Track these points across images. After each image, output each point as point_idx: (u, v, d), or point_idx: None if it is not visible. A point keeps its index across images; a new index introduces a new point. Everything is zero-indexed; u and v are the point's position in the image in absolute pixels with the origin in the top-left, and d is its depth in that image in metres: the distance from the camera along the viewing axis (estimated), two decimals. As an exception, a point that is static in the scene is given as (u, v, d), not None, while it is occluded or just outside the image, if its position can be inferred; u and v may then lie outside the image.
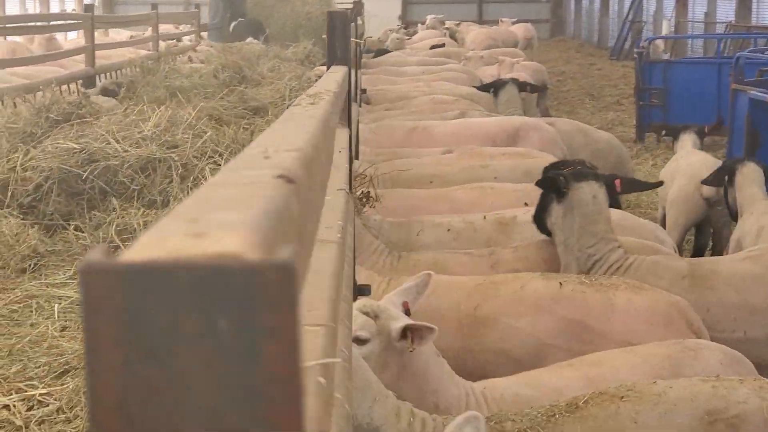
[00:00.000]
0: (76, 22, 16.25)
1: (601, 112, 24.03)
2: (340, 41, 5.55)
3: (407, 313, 4.75)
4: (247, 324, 0.75)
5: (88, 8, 16.22)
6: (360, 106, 13.50)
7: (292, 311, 0.76)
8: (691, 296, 6.06)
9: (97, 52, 19.04)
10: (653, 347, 4.85)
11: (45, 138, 8.34)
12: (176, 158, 7.72)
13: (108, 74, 16.18)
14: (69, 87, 14.24)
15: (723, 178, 8.77)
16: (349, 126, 5.59)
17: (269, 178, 1.02)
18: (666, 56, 31.59)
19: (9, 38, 20.84)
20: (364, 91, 14.68)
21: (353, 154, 5.69)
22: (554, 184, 6.62)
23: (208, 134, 8.08)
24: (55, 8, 39.20)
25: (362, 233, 6.58)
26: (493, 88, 13.97)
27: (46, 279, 6.53)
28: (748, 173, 8.60)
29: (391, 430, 3.97)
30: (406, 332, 4.44)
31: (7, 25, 16.05)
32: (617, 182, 6.83)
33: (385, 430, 3.96)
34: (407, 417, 4.05)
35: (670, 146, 18.55)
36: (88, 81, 15.11)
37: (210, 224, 0.78)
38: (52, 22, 17.74)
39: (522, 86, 14.02)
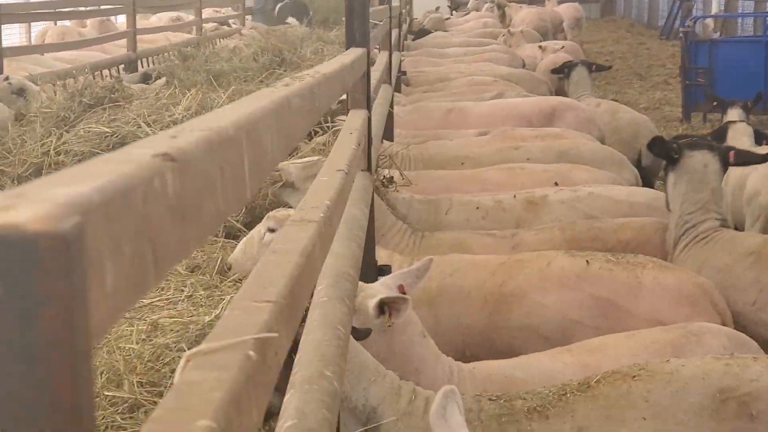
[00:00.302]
0: (117, 6, 16.38)
1: (648, 91, 23.84)
2: (359, 24, 5.57)
3: None
4: (23, 290, 0.78)
5: (130, -7, 16.37)
6: (399, 89, 13.54)
7: (69, 278, 0.79)
8: (750, 274, 6.08)
9: (142, 37, 19.24)
10: (656, 333, 4.81)
11: (78, 122, 8.42)
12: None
13: (149, 59, 16.28)
14: (110, 72, 14.35)
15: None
16: (368, 108, 5.60)
17: (146, 157, 1.05)
18: (716, 35, 31.30)
19: (59, 23, 21.09)
20: (403, 73, 14.69)
21: (374, 136, 5.70)
22: (666, 149, 6.89)
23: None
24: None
25: (384, 213, 6.60)
26: (566, 69, 14.19)
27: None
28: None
29: (389, 410, 3.98)
30: (383, 308, 4.41)
31: (46, 11, 16.18)
32: (731, 154, 6.99)
33: (382, 410, 3.98)
34: (408, 396, 4.06)
35: (716, 126, 18.48)
36: (130, 66, 15.22)
37: (28, 197, 0.81)
38: (92, 7, 17.84)
39: (590, 67, 14.34)
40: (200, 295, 5.75)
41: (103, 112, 8.40)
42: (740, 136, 9.44)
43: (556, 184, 7.97)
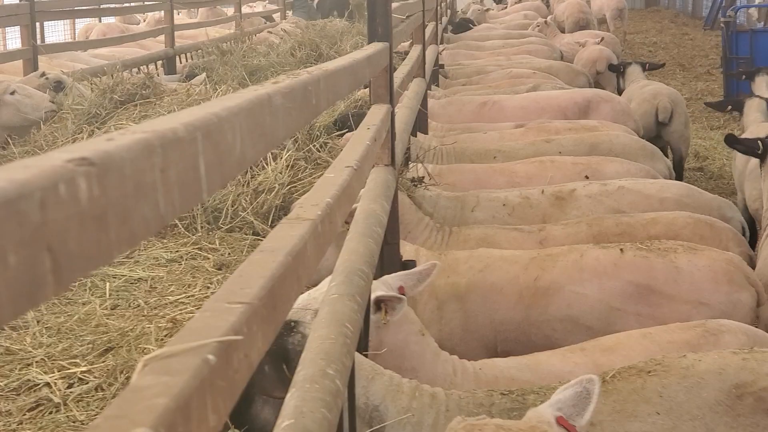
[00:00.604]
0: (155, 3, 16.44)
1: (691, 82, 23.66)
2: (382, 18, 5.55)
3: None
4: None
5: (167, -11, 16.43)
6: (437, 81, 13.50)
7: None
8: None
9: (185, 33, 19.30)
10: (673, 331, 4.75)
11: (109, 119, 8.45)
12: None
13: (188, 54, 16.33)
14: (147, 67, 14.41)
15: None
16: (392, 102, 5.57)
17: (56, 162, 1.03)
18: (760, 25, 31.02)
19: (104, 19, 21.21)
20: (441, 66, 14.65)
21: (400, 131, 5.67)
22: (749, 146, 7.55)
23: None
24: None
25: (410, 209, 6.57)
26: (622, 67, 14.69)
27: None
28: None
29: (392, 407, 3.95)
30: (379, 305, 4.39)
31: (84, 8, 16.25)
32: None
33: (385, 407, 3.95)
34: (411, 393, 4.03)
35: (758, 116, 18.31)
36: (169, 61, 15.27)
37: None
38: (130, 4, 17.93)
39: (643, 65, 14.61)
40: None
41: (134, 108, 8.43)
42: (754, 112, 9.80)
43: (587, 177, 7.92)
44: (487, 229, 6.60)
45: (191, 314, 5.39)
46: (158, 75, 12.97)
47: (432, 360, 4.63)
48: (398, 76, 7.20)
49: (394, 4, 7.49)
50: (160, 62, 15.26)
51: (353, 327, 3.26)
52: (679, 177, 11.61)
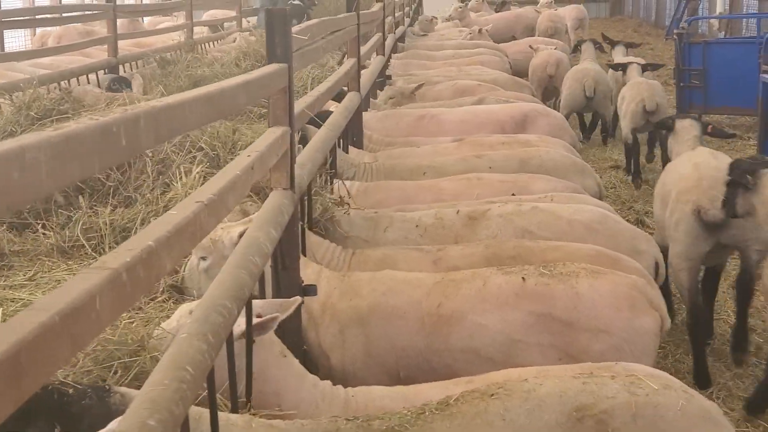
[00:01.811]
0: (97, 12, 16.25)
1: (648, 92, 23.67)
2: (281, 39, 5.42)
3: None
4: None
5: (110, -3, 16.26)
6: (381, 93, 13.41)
7: None
8: None
9: (142, 40, 19.12)
10: (564, 370, 4.67)
11: (24, 136, 8.26)
12: (150, 154, 7.62)
13: (131, 64, 16.16)
14: (88, 77, 14.25)
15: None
16: (291, 124, 5.45)
17: None
18: (721, 34, 31.08)
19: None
20: (388, 77, 14.60)
21: (295, 153, 5.54)
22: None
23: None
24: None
25: (309, 234, 6.46)
26: (621, 68, 16.22)
27: (4, 281, 6.41)
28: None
29: None
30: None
31: (24, 18, 16.08)
32: None
33: None
34: (245, 426, 3.89)
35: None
36: (111, 71, 15.10)
37: None
38: (68, 14, 17.70)
39: (644, 67, 16.06)
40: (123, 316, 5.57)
41: (51, 124, 8.25)
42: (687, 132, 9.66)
43: (514, 194, 7.85)
44: (387, 250, 6.52)
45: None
46: (90, 85, 12.82)
47: (296, 384, 4.52)
48: (313, 94, 7.10)
49: (312, 21, 7.39)
50: (102, 71, 15.09)
51: (196, 370, 3.12)
52: (604, 130, 17.50)
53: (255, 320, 4.29)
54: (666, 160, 11.55)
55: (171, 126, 3.08)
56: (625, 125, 14.68)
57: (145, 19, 24.20)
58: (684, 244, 7.96)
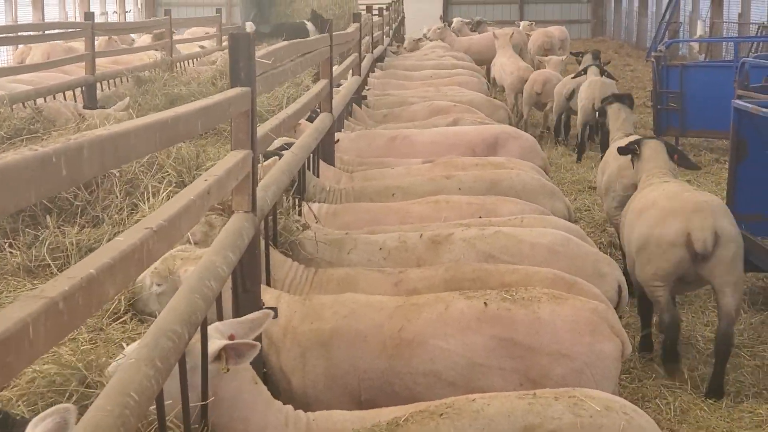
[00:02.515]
0: (75, 30, 16.25)
1: (626, 114, 23.75)
2: (244, 63, 5.46)
3: None
4: None
5: (88, 16, 16.13)
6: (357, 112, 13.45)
7: None
8: None
9: (121, 58, 19.09)
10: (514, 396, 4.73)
11: (-7, 156, 8.27)
12: (117, 174, 7.64)
13: (108, 82, 16.18)
14: (64, 95, 14.25)
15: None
16: (253, 148, 5.48)
17: None
18: (701, 57, 31.26)
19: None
20: (364, 97, 14.64)
21: (257, 176, 5.58)
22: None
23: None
24: (95, 10, 39.34)
25: (273, 253, 6.49)
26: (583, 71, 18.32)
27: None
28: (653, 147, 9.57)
29: None
30: (219, 354, 4.33)
31: (3, 36, 16.08)
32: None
33: None
34: None
35: (687, 151, 18.44)
36: (89, 88, 15.11)
37: None
38: (49, 31, 17.71)
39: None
40: (83, 338, 5.58)
41: (21, 144, 8.28)
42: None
43: (481, 217, 7.89)
44: (348, 270, 6.56)
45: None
46: (66, 101, 12.81)
47: (264, 410, 4.56)
48: (280, 117, 7.13)
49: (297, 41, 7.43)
50: (80, 89, 15.10)
51: (141, 396, 3.15)
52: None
53: (229, 342, 4.32)
54: (605, 144, 12.94)
55: (118, 154, 3.11)
56: (579, 118, 17.73)
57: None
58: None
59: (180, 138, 4.15)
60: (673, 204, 8.26)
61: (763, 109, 9.74)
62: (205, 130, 4.87)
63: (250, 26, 19.52)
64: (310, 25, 19.78)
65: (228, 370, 4.34)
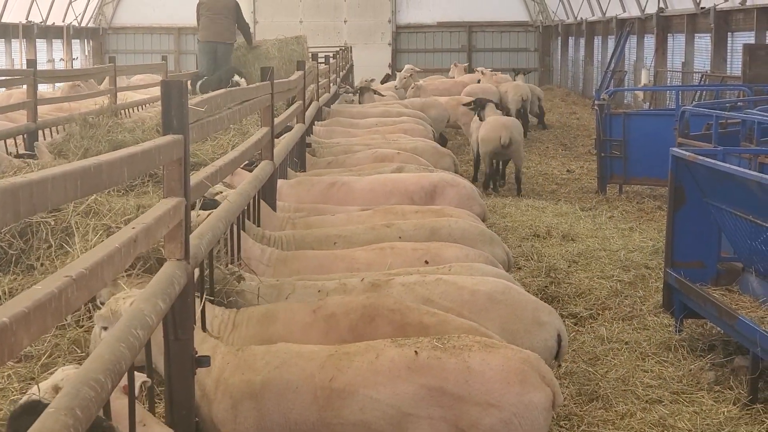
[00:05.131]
0: (17, 77, 16.20)
1: (571, 162, 24.01)
2: (177, 110, 5.45)
3: None
4: None
5: (30, 63, 16.10)
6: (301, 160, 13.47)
7: None
8: None
9: (65, 105, 18.93)
10: None
11: None
12: (52, 223, 7.59)
13: (51, 129, 16.08)
14: (6, 142, 14.17)
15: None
16: (186, 195, 5.46)
17: None
18: (646, 105, 31.66)
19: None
20: (308, 144, 14.66)
21: (190, 224, 5.55)
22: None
23: (92, 197, 7.89)
24: (42, 57, 39.29)
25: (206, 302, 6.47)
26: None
27: None
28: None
29: None
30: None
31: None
32: None
33: None
34: None
35: (631, 198, 18.60)
36: (30, 136, 15.03)
37: None
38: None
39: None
40: (13, 387, 5.53)
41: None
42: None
43: (427, 262, 7.93)
44: (269, 306, 6.61)
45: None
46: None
47: None
48: (216, 164, 7.11)
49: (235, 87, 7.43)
50: (23, 136, 15.03)
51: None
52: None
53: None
54: None
55: (33, 202, 3.08)
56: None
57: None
58: None
59: (104, 186, 4.11)
60: (494, 124, 18.05)
61: (700, 157, 9.83)
62: (132, 178, 4.85)
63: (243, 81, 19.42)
64: (236, 77, 19.68)
65: None
